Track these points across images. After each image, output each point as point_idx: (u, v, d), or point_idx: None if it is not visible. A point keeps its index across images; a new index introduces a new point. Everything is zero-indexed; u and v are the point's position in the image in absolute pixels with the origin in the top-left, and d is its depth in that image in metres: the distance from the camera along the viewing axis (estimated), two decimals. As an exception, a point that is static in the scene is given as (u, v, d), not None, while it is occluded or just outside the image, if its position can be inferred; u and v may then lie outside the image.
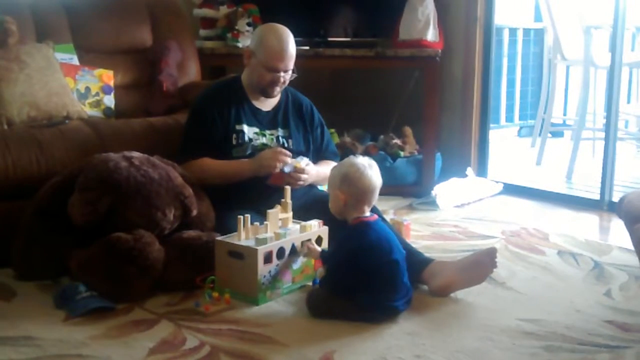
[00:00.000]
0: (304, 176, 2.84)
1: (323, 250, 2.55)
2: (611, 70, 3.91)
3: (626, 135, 5.75)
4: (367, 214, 2.45)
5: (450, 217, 3.73)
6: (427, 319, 2.39)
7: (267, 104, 3.07)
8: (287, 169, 2.80)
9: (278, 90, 3.01)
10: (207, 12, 4.20)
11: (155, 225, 2.59)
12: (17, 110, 3.00)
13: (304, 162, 2.86)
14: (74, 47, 3.47)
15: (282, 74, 2.94)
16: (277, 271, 2.53)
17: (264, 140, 3.01)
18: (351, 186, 2.41)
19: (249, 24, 4.06)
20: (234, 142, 2.95)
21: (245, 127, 2.99)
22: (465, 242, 3.28)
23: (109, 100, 3.46)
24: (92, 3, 3.66)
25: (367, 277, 2.34)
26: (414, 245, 2.80)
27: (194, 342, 2.19)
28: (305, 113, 3.15)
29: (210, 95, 3.07)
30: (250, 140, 2.98)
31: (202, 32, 4.21)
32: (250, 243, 2.50)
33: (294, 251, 2.57)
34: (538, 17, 6.19)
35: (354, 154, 4.06)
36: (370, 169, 2.44)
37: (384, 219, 2.80)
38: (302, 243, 2.58)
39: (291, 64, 2.96)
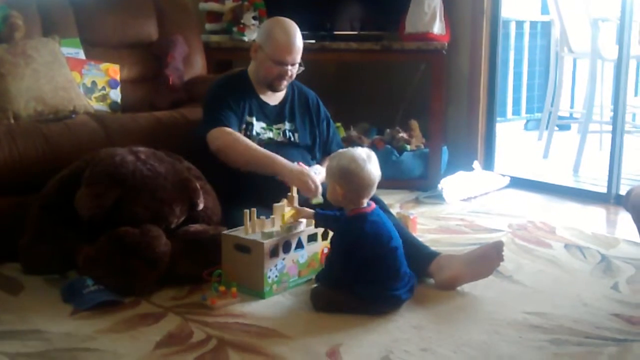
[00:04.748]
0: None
1: (317, 211, 2.50)
2: (618, 63, 3.89)
3: (633, 128, 5.74)
4: (365, 204, 2.43)
5: (456, 210, 3.73)
6: (434, 312, 2.39)
7: (274, 98, 3.07)
8: None
9: (285, 84, 3.01)
10: (212, 6, 4.20)
11: (162, 219, 2.60)
12: (23, 105, 3.01)
13: (316, 169, 2.88)
14: (80, 41, 3.48)
15: (289, 67, 2.94)
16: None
17: (270, 134, 3.01)
18: (351, 182, 2.38)
19: (254, 18, 4.06)
20: (242, 133, 2.95)
21: (254, 121, 2.99)
22: (471, 235, 3.28)
23: (115, 95, 3.46)
24: (98, -3, 3.67)
25: (366, 268, 2.34)
26: (420, 239, 2.79)
27: (201, 336, 2.19)
28: (312, 106, 3.15)
29: (224, 84, 3.05)
30: (258, 134, 2.98)
31: (208, 26, 4.21)
32: (257, 237, 2.51)
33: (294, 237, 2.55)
34: (545, 10, 6.16)
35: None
36: (369, 162, 2.40)
37: (389, 213, 2.81)
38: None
39: (298, 57, 2.96)
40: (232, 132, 2.86)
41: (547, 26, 6.19)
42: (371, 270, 2.34)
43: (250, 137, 2.95)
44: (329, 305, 2.36)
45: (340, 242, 2.40)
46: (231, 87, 3.01)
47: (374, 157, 2.45)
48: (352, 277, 2.35)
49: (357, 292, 2.33)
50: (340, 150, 2.53)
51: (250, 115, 2.99)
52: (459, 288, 2.57)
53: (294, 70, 2.98)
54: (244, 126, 2.96)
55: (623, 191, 3.68)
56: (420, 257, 2.60)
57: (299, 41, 2.94)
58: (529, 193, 4.13)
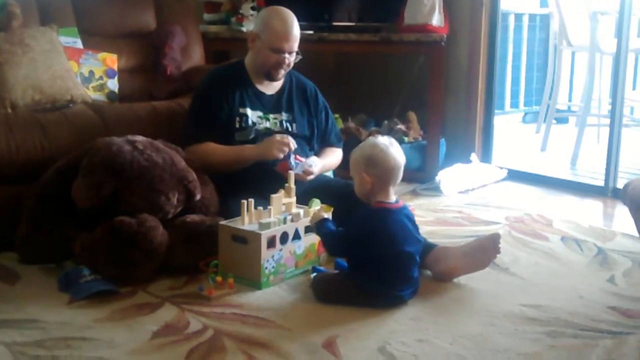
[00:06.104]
0: (309, 177, 2.87)
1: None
2: (617, 57, 3.89)
3: (631, 122, 5.74)
4: (393, 198, 2.43)
5: (454, 203, 3.73)
6: (430, 304, 2.39)
7: (270, 88, 3.07)
8: (297, 170, 2.81)
9: (282, 73, 3.01)
10: (211, -4, 4.19)
11: (159, 209, 2.60)
12: (20, 94, 3.00)
13: (313, 162, 2.89)
14: (78, 30, 3.47)
15: (286, 55, 2.94)
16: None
17: (267, 124, 3.01)
18: (377, 168, 2.38)
19: (253, 8, 4.05)
20: (237, 125, 2.95)
21: (249, 111, 2.99)
22: (468, 227, 3.28)
23: (113, 84, 3.46)
24: (96, -14, 3.66)
25: (375, 263, 2.33)
26: (417, 231, 2.80)
27: (197, 326, 2.20)
28: (310, 97, 3.15)
29: (214, 79, 3.06)
30: (254, 124, 2.98)
31: (206, 16, 4.20)
32: (254, 227, 2.51)
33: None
34: (544, 3, 6.15)
35: (358, 139, 4.09)
36: (392, 147, 2.42)
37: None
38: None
39: (296, 45, 2.96)
40: (200, 148, 2.92)
41: (546, 19, 6.17)
42: (380, 267, 2.33)
43: (245, 128, 2.96)
44: (331, 295, 2.37)
45: (356, 228, 2.37)
46: (221, 82, 3.02)
47: (396, 143, 2.47)
48: (359, 270, 2.35)
49: (362, 287, 2.33)
50: (361, 143, 2.53)
51: (243, 106, 2.98)
52: (455, 280, 2.57)
53: (291, 59, 2.98)
54: (237, 119, 2.96)
55: (620, 184, 3.69)
56: (417, 249, 2.60)
57: (296, 29, 2.94)
58: (527, 186, 4.13)
